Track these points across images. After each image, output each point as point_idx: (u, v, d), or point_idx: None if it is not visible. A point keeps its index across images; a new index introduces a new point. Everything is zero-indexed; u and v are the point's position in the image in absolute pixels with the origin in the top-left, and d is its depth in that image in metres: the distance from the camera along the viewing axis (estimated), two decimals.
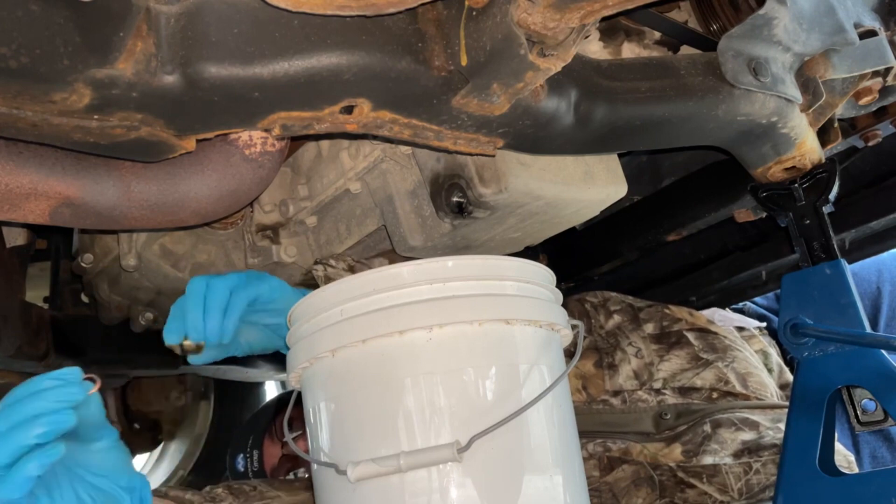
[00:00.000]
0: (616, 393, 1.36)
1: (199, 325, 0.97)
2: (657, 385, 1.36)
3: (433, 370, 0.83)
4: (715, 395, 1.35)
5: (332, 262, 1.16)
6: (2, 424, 0.70)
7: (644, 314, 1.49)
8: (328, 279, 1.14)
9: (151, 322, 1.49)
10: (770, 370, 1.51)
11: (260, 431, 1.73)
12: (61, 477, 0.74)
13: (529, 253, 1.60)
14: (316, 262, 1.18)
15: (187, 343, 0.99)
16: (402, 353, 0.84)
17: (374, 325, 0.85)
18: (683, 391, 1.35)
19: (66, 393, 0.72)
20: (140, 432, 2.21)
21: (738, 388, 1.36)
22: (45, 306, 1.63)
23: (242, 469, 1.62)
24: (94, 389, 0.76)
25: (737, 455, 1.25)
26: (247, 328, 1.07)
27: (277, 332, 1.09)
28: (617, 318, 1.49)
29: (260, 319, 1.07)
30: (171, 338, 0.99)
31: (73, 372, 0.75)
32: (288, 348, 0.98)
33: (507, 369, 0.86)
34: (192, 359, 1.02)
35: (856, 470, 1.31)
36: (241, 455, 1.67)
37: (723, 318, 1.60)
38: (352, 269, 1.16)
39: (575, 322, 1.01)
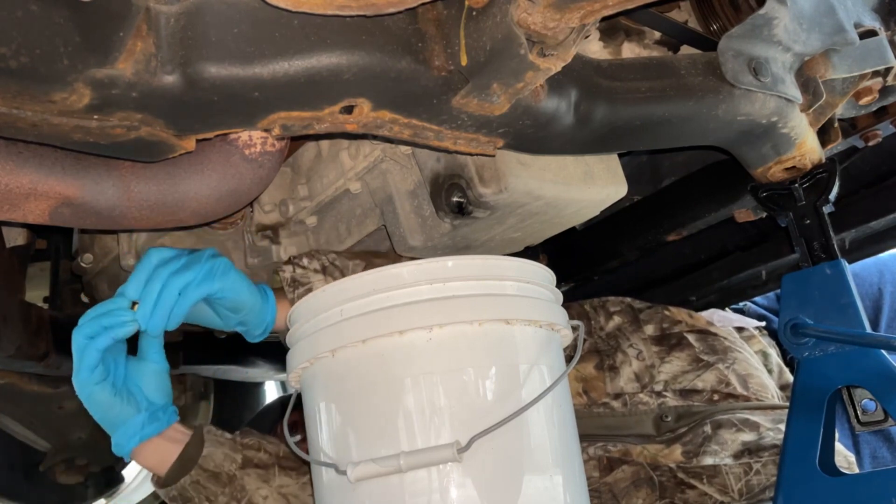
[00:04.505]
0: (617, 395, 1.36)
1: (147, 314, 1.02)
2: (658, 387, 1.36)
3: (433, 370, 0.84)
4: (716, 397, 1.34)
5: (305, 260, 1.17)
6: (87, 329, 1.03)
7: (644, 315, 1.49)
8: (295, 282, 1.14)
9: None
10: (770, 371, 1.51)
11: (266, 425, 1.74)
12: (117, 370, 1.07)
13: (529, 253, 1.60)
14: (286, 262, 1.17)
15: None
16: (402, 354, 0.84)
17: (374, 325, 0.85)
18: (684, 393, 1.35)
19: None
20: None
21: (739, 390, 1.35)
22: (45, 306, 1.62)
23: None
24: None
25: (737, 456, 1.24)
26: (197, 307, 1.10)
27: (226, 319, 1.11)
28: (617, 320, 1.48)
29: (212, 306, 1.10)
30: (118, 301, 1.03)
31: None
32: (288, 348, 0.98)
33: (507, 369, 0.86)
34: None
35: (856, 470, 1.31)
36: None
37: (722, 319, 1.59)
38: (324, 270, 1.16)
39: (575, 322, 1.01)
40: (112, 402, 1.05)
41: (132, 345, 1.10)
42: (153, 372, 1.10)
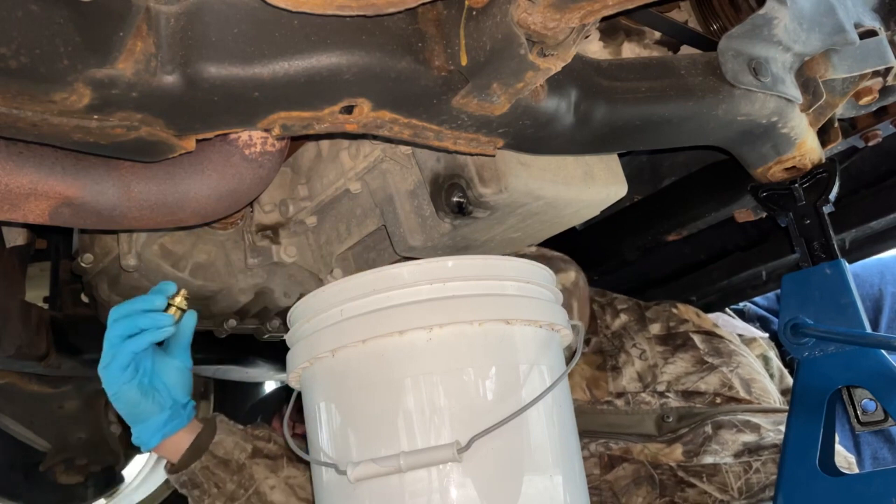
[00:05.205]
0: (620, 395, 1.36)
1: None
2: (661, 388, 1.36)
3: (433, 370, 0.84)
4: (718, 399, 1.34)
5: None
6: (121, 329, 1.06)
7: (651, 313, 1.49)
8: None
9: None
10: (771, 375, 1.51)
11: (269, 411, 1.77)
12: (145, 367, 1.08)
13: None
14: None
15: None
16: (402, 354, 0.84)
17: (374, 325, 0.85)
18: (687, 395, 1.35)
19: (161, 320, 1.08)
20: None
21: (742, 394, 1.35)
22: (45, 306, 1.62)
23: None
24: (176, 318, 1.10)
25: (737, 455, 1.24)
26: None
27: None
28: (623, 318, 1.48)
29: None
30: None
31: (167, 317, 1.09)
32: (288, 348, 0.98)
33: (507, 369, 0.86)
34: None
35: (856, 471, 1.31)
36: None
37: (725, 324, 1.59)
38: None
39: (575, 322, 1.01)
40: (139, 400, 1.08)
41: None
42: (178, 369, 1.13)
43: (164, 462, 1.18)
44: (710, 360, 1.40)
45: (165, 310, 1.09)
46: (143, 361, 1.08)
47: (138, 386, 1.07)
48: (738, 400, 1.35)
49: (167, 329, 1.08)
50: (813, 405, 1.02)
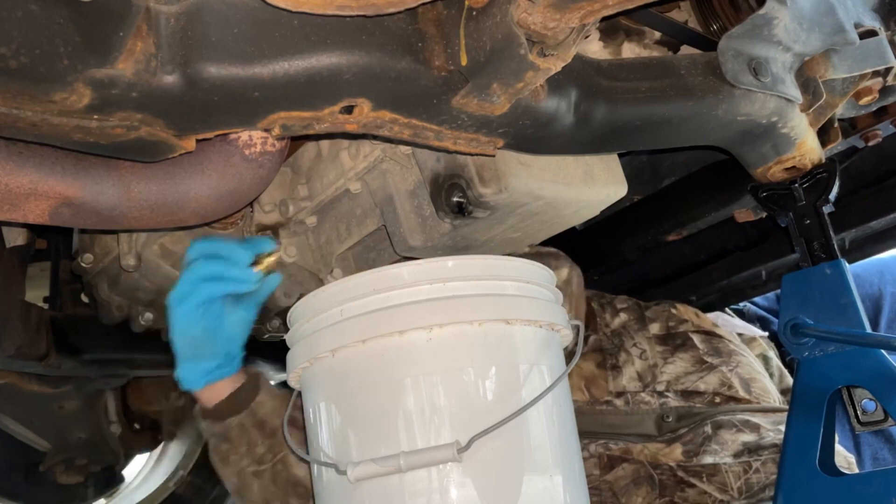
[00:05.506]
0: (619, 394, 1.36)
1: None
2: (660, 387, 1.36)
3: (433, 370, 0.84)
4: (717, 399, 1.34)
5: None
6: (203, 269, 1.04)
7: (650, 312, 1.49)
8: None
9: (151, 322, 1.49)
10: (771, 375, 1.51)
11: None
12: (214, 312, 1.06)
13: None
14: None
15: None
16: (402, 354, 0.84)
17: (374, 325, 0.85)
18: (686, 394, 1.35)
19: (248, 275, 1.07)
20: (140, 432, 2.21)
21: (741, 394, 1.35)
22: (45, 306, 1.62)
23: None
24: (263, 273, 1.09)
25: (737, 455, 1.25)
26: None
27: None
28: (623, 317, 1.48)
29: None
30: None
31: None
32: (288, 348, 0.98)
33: (507, 369, 0.87)
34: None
35: (856, 471, 1.31)
36: None
37: (724, 324, 1.59)
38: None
39: (575, 322, 1.01)
40: (200, 343, 1.07)
41: None
42: (243, 321, 1.11)
43: (196, 406, 1.17)
44: (709, 359, 1.40)
45: (254, 265, 1.07)
46: (213, 305, 1.06)
47: (203, 329, 1.06)
48: (738, 399, 1.35)
49: (250, 285, 1.06)
50: (813, 405, 1.02)
